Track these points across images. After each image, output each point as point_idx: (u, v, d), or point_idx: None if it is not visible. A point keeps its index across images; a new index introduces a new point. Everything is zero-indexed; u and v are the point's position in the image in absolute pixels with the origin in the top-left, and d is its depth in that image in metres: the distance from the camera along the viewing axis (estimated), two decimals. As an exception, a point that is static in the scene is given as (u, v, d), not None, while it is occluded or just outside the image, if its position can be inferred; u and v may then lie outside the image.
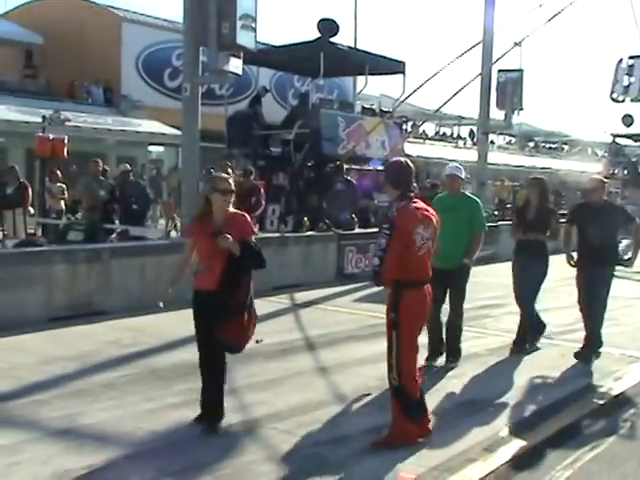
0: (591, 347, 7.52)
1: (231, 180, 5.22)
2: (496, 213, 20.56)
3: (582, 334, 8.82)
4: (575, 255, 7.59)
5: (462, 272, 7.06)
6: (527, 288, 7.75)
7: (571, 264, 7.58)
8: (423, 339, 5.26)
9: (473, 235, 7.10)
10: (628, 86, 26.51)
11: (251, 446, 4.90)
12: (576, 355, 7.46)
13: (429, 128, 41.07)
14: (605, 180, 7.82)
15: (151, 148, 26.03)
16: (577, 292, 7.62)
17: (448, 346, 7.16)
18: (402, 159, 5.31)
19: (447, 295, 7.10)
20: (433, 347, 7.10)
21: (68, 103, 22.12)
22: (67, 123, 14.94)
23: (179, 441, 4.93)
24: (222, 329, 5.04)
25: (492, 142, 33.11)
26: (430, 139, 37.50)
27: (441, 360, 7.11)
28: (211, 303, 4.99)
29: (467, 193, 7.65)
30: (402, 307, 4.89)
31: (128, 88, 24.98)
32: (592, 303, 7.51)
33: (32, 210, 14.60)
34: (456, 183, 7.25)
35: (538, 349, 7.88)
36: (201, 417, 5.18)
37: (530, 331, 7.87)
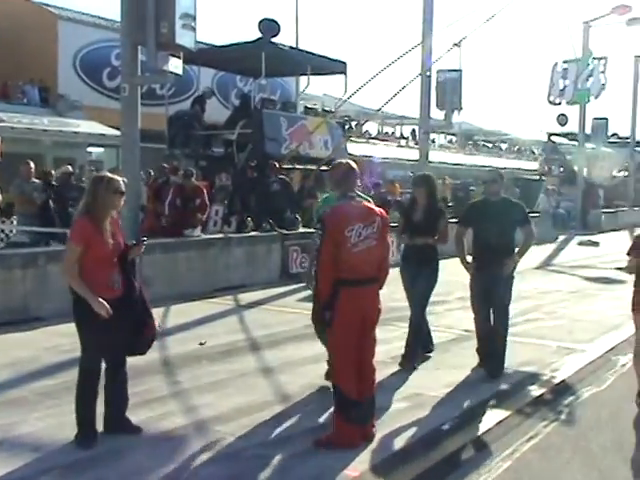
0: (497, 358, 6.80)
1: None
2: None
3: (520, 328, 9.03)
4: (470, 259, 6.94)
5: None
6: (416, 299, 7.10)
7: (469, 271, 6.93)
8: (384, 334, 5.28)
9: None
10: (563, 89, 27.34)
11: (195, 449, 4.86)
12: (485, 369, 6.86)
13: (372, 127, 41.42)
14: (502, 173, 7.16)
15: (90, 149, 25.53)
16: (470, 298, 7.00)
17: None
18: (345, 160, 5.43)
19: None
20: None
21: (1, 103, 21.52)
22: (0, 124, 14.50)
23: (120, 447, 4.85)
24: (148, 328, 5.07)
25: (433, 141, 33.58)
26: (373, 138, 37.78)
27: None
28: (124, 308, 4.90)
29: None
30: (336, 306, 4.89)
31: (65, 88, 24.41)
32: (496, 310, 6.85)
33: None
34: None
35: (415, 368, 6.97)
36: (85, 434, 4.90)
37: (414, 346, 7.05)
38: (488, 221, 6.73)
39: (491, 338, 6.86)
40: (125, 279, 4.98)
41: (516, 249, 6.87)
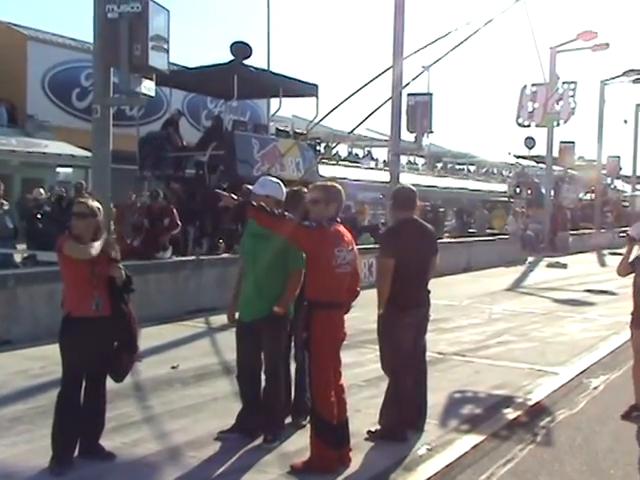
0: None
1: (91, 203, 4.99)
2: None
3: (492, 351, 9.08)
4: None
5: (274, 324, 5.35)
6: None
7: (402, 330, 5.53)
8: (347, 359, 5.27)
9: (289, 274, 5.40)
10: (532, 111, 27.76)
11: (169, 475, 4.78)
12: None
13: (342, 149, 41.68)
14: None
15: (59, 169, 25.36)
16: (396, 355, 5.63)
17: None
18: (330, 183, 5.41)
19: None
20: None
21: (-33, 123, 21.40)
22: (-33, 144, 14.34)
23: (93, 474, 4.76)
24: (125, 355, 5.04)
25: (410, 162, 33.88)
26: (344, 160, 38.01)
27: None
28: (107, 330, 4.91)
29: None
30: (314, 328, 4.85)
31: (34, 108, 24.29)
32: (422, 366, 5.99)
33: None
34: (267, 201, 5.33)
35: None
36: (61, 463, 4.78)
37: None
38: (408, 254, 5.59)
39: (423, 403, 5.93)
40: (113, 304, 4.98)
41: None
